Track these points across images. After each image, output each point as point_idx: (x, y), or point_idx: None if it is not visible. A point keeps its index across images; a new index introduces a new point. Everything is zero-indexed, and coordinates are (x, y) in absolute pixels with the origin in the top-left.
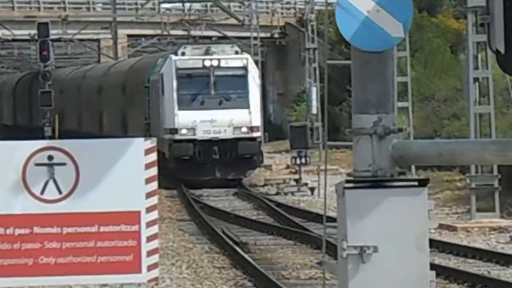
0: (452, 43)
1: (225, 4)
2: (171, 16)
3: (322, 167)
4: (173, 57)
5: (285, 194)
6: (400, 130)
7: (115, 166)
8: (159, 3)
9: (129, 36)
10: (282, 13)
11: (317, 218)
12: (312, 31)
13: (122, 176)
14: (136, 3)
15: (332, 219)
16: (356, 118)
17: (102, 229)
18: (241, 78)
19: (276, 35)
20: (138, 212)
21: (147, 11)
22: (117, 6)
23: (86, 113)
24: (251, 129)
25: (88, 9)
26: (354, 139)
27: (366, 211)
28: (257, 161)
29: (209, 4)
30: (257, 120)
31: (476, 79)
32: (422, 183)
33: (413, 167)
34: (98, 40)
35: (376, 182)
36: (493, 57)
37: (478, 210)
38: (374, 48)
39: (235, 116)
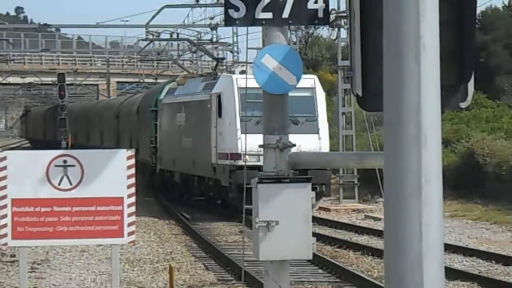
0: (328, 89)
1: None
2: (145, 70)
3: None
4: (234, 75)
5: None
6: (293, 145)
7: (108, 166)
8: (137, 61)
9: (118, 82)
10: None
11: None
12: None
13: (112, 173)
14: (122, 61)
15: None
16: (266, 137)
17: (98, 208)
18: (309, 100)
19: None
20: (122, 198)
21: (129, 66)
22: (110, 62)
23: (91, 133)
24: None
25: (91, 64)
26: (264, 150)
27: (271, 198)
28: (326, 191)
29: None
30: (326, 147)
31: (343, 113)
32: (307, 180)
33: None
34: (97, 85)
35: (277, 179)
36: (355, 99)
37: (344, 197)
38: (277, 91)
39: (303, 142)
